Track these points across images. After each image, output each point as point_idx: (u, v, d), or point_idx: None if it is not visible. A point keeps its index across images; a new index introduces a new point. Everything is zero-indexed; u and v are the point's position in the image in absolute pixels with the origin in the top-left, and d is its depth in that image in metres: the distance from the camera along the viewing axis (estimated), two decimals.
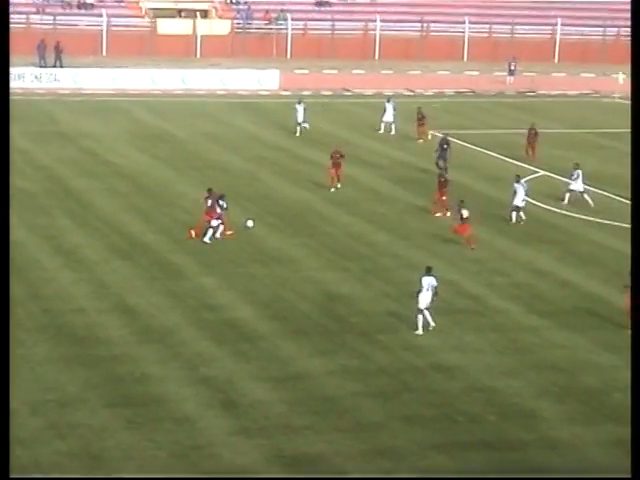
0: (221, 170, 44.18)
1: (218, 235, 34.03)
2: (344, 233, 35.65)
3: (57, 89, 61.40)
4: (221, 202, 34.10)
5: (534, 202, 40.12)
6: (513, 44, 75.39)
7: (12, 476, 19.15)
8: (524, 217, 36.97)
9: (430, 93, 65.22)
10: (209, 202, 34.11)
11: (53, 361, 24.77)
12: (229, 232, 34.11)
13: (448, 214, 36.92)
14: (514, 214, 36.91)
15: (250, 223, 35.20)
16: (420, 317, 27.02)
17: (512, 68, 69.15)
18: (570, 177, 40.46)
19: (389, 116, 51.99)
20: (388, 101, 52.67)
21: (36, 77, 62.30)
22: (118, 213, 37.08)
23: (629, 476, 18.30)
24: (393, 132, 51.89)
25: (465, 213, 34.34)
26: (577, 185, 40.00)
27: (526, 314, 28.98)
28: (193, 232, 34.02)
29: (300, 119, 50.63)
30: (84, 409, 22.50)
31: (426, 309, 27.03)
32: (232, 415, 22.53)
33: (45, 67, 64.69)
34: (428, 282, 26.95)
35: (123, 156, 46.15)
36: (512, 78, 69.01)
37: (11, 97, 59.48)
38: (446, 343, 26.74)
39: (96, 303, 28.60)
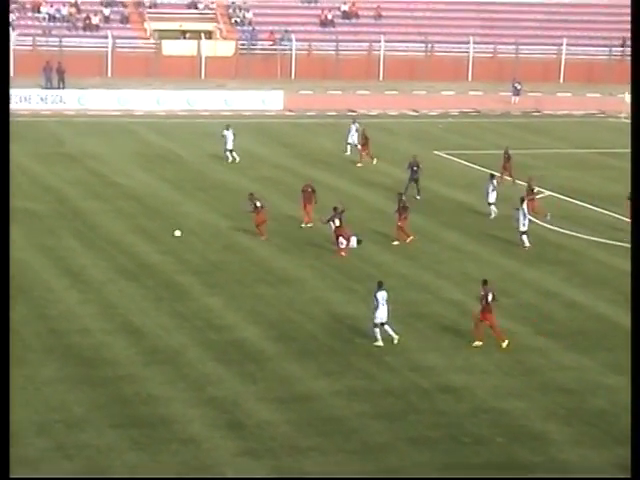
0: (227, 190, 44.24)
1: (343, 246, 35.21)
2: (350, 253, 35.63)
3: (62, 110, 61.60)
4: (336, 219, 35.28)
5: (539, 222, 40.12)
6: (518, 64, 75.53)
7: (12, 476, 19.13)
8: (527, 244, 36.69)
9: (435, 113, 65.34)
10: (336, 221, 35.00)
11: (60, 381, 24.75)
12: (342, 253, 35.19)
13: (397, 243, 36.64)
14: (524, 237, 36.74)
15: (177, 233, 35.96)
16: (377, 330, 27.38)
17: (517, 88, 69.25)
18: (487, 189, 40.55)
19: (352, 138, 50.75)
20: (353, 122, 51.51)
21: (42, 99, 62.52)
22: (124, 234, 37.12)
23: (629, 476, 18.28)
24: (348, 153, 50.71)
25: (258, 203, 36.40)
26: (492, 196, 40.11)
27: (533, 335, 28.92)
28: (343, 252, 34.91)
29: (229, 146, 48.95)
30: (90, 430, 22.47)
31: (387, 323, 27.28)
32: (238, 436, 22.48)
33: (51, 89, 64.92)
34: (382, 296, 27.25)
35: (129, 177, 46.23)
36: (517, 98, 69.11)
37: (17, 119, 59.93)
38: (452, 364, 26.70)
39: (102, 324, 28.60)
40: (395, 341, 27.43)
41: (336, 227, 35.37)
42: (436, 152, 53.41)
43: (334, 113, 63.77)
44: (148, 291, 31.34)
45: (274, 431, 22.71)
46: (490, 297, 27.51)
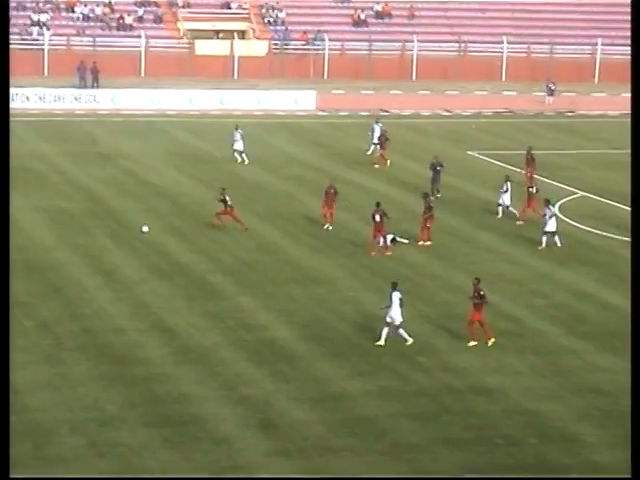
0: (259, 190, 44.28)
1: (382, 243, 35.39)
2: (382, 253, 35.56)
3: (96, 110, 61.90)
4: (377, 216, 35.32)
5: (573, 223, 39.89)
6: (552, 64, 75.11)
7: (12, 476, 19.20)
8: (559, 243, 36.53)
9: (468, 113, 65.09)
10: (377, 216, 35.05)
11: (93, 380, 24.86)
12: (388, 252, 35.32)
13: (428, 243, 36.56)
14: (545, 238, 36.56)
15: (145, 228, 36.36)
16: (401, 330, 27.28)
17: (551, 88, 68.84)
18: (500, 190, 40.27)
19: (376, 138, 49.91)
20: (376, 122, 50.91)
21: (75, 98, 62.85)
22: (157, 233, 37.23)
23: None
24: (370, 152, 50.05)
25: (229, 200, 36.97)
26: (504, 198, 39.85)
27: (567, 336, 28.75)
28: (374, 252, 35.02)
29: (237, 147, 48.35)
30: (123, 428, 22.55)
31: (390, 324, 27.21)
32: (270, 436, 22.48)
33: (85, 88, 65.25)
34: (396, 297, 27.28)
35: (162, 176, 46.37)
36: (551, 98, 68.70)
37: (51, 118, 60.01)
38: (486, 365, 26.58)
39: (135, 323, 28.70)
40: (380, 343, 27.24)
41: (375, 223, 35.31)
42: (469, 152, 53.22)
43: (366, 113, 63.64)
44: (181, 290, 31.42)
45: (306, 431, 22.69)
46: (481, 295, 27.39)
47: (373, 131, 50.83)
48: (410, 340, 27.38)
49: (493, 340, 27.68)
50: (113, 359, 26.15)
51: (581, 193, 45.08)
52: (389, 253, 35.25)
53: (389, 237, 35.78)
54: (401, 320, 27.32)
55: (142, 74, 72.24)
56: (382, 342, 27.39)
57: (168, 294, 31.06)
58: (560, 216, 40.74)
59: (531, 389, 25.24)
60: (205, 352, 26.82)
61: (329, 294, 31.50)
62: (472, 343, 27.56)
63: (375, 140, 50.62)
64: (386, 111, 64.31)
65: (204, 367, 25.85)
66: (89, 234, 36.91)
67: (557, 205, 42.29)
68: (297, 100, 65.21)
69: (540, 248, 36.41)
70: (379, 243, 35.42)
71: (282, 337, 28.04)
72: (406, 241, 36.24)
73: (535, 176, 45.54)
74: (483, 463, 21.64)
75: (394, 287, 27.56)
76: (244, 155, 48.68)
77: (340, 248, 36.18)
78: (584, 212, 41.71)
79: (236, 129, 49.15)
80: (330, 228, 38.18)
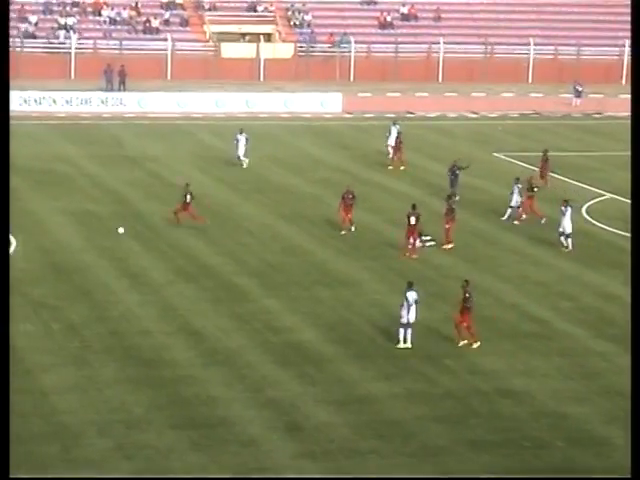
0: (285, 193, 44.33)
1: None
2: (410, 255, 35.49)
3: (123, 113, 62.17)
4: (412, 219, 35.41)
5: (600, 225, 39.71)
6: (579, 66, 74.77)
7: (12, 476, 19.29)
8: (570, 247, 36.33)
9: (494, 115, 64.92)
10: (412, 219, 35.13)
11: (120, 382, 24.96)
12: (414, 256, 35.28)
13: (450, 246, 36.42)
14: (569, 240, 36.35)
15: (121, 230, 36.58)
16: (402, 330, 27.19)
17: (579, 90, 68.53)
18: (511, 192, 40.06)
19: (392, 140, 49.35)
20: (394, 124, 50.38)
21: (102, 101, 63.13)
22: (184, 236, 37.34)
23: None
24: (391, 156, 49.47)
25: (188, 198, 37.52)
26: (513, 200, 39.72)
27: (594, 338, 28.63)
28: (408, 253, 35.19)
29: (241, 152, 47.80)
30: (150, 430, 22.63)
31: (409, 326, 27.17)
32: (297, 438, 22.50)
33: (111, 91, 65.54)
34: (411, 297, 27.20)
35: (188, 179, 46.37)
36: (578, 100, 68.38)
37: (78, 121, 60.20)
38: (512, 367, 26.51)
39: (162, 325, 28.80)
40: (401, 345, 27.20)
41: (409, 225, 35.24)
42: (495, 154, 53.09)
43: (393, 115, 63.55)
44: (207, 293, 31.50)
45: (332, 433, 22.69)
46: (467, 297, 27.29)
47: (390, 133, 50.70)
48: (402, 345, 27.15)
49: (478, 344, 27.47)
50: (140, 361, 26.25)
51: (608, 195, 44.87)
52: (415, 256, 35.21)
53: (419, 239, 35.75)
54: (407, 321, 27.20)
55: (168, 77, 72.48)
56: (409, 344, 27.36)
57: (194, 297, 31.14)
58: (586, 217, 40.69)
59: (558, 391, 25.14)
60: (231, 354, 26.88)
61: (355, 297, 31.49)
62: (475, 344, 27.50)
63: (391, 142, 50.44)
64: (412, 113, 64.22)
65: (230, 369, 25.90)
66: (116, 237, 37.05)
67: (584, 207, 42.22)
68: (323, 103, 65.23)
69: (567, 250, 36.27)
70: (409, 245, 35.38)
71: (308, 339, 28.06)
72: (432, 240, 36.16)
73: (549, 173, 45.35)
74: (510, 465, 21.58)
75: (410, 286, 27.49)
76: (243, 159, 48.07)
77: (366, 250, 36.17)
78: (611, 214, 41.49)
79: (240, 133, 49.06)
80: (352, 229, 38.09)
